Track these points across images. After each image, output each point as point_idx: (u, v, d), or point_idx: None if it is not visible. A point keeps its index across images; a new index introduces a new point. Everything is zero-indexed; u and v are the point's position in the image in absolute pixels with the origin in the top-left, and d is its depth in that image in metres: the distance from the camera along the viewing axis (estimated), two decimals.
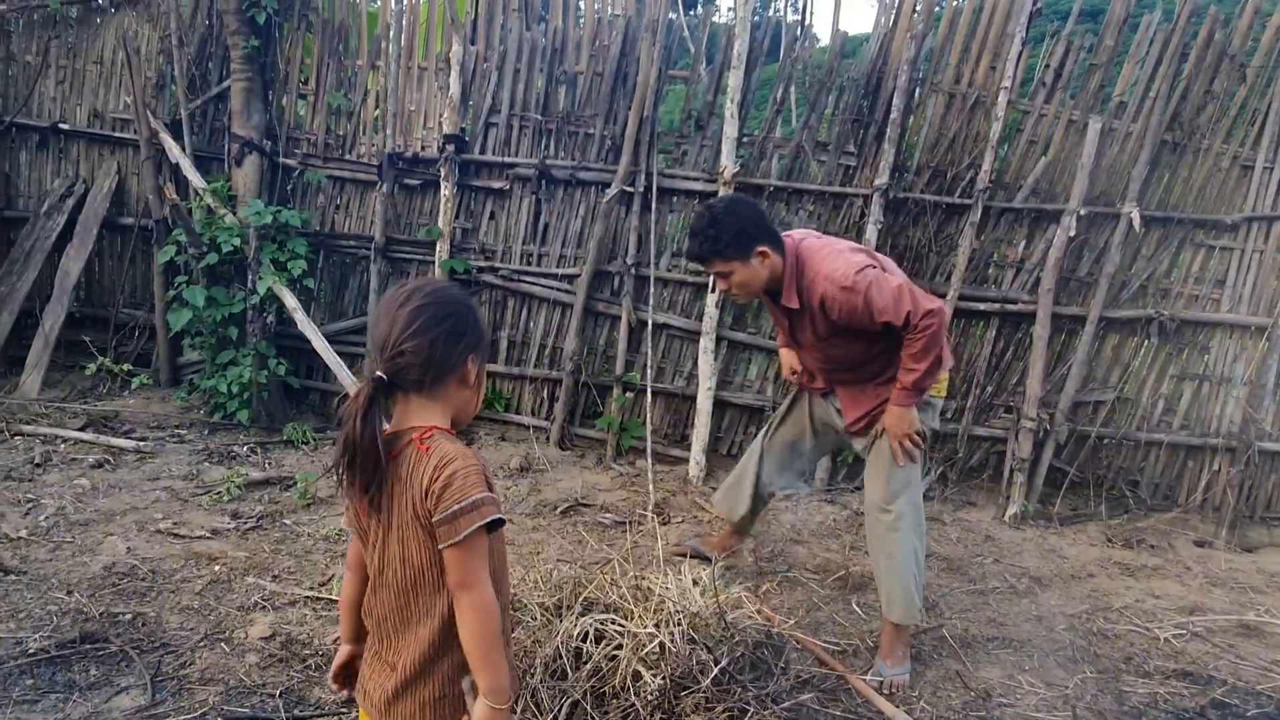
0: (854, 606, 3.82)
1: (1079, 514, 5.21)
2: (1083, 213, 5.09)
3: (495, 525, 1.53)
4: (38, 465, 4.76)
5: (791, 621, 3.46)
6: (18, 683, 2.76)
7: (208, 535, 4.06)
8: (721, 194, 5.43)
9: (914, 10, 5.24)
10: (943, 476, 5.43)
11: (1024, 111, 5.31)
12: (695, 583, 2.88)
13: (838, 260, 3.08)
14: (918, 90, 5.36)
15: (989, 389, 5.43)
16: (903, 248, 5.42)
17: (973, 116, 5.29)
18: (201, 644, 3.09)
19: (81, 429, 5.39)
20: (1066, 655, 3.49)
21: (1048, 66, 5.27)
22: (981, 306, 5.35)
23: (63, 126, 6.38)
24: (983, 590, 4.11)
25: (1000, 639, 3.59)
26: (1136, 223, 5.06)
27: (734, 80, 5.37)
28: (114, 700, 2.71)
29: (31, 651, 2.91)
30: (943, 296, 5.29)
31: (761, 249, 3.08)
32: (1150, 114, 5.10)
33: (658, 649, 2.60)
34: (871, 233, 5.28)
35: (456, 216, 5.93)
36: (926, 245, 5.38)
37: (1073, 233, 5.10)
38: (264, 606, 3.40)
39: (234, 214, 5.83)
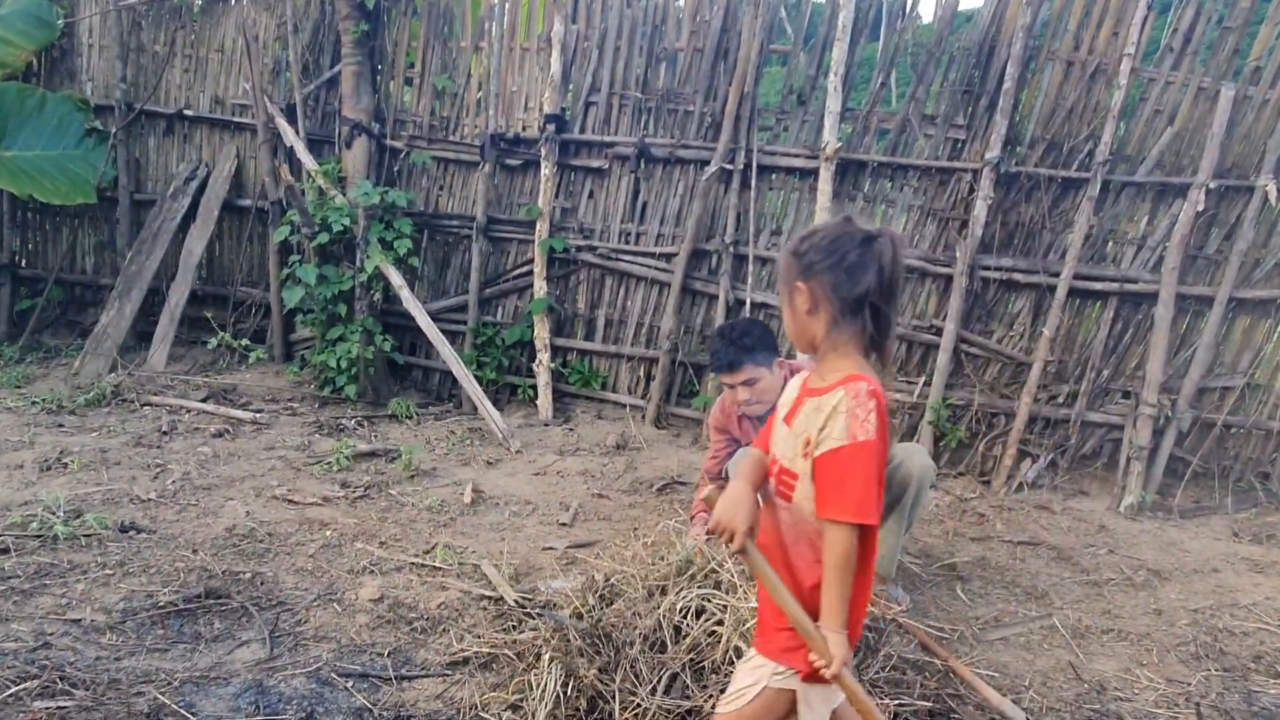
0: (958, 593, 3.72)
1: (1202, 506, 4.93)
2: (1212, 186, 4.79)
3: None
4: (165, 433, 5.04)
5: (897, 608, 3.38)
6: (150, 632, 2.93)
7: (319, 502, 4.23)
8: (821, 173, 5.34)
9: None
10: (1053, 463, 5.21)
11: (1149, 79, 5.01)
12: None
13: None
14: (1033, 59, 5.12)
15: (1105, 373, 5.18)
16: (1014, 224, 5.21)
17: (1092, 86, 5.03)
18: (315, 603, 3.22)
19: (204, 400, 5.68)
20: (1189, 651, 3.30)
21: (1175, 31, 4.95)
22: (1098, 286, 5.09)
23: (187, 112, 6.71)
24: (1096, 581, 3.93)
25: (1116, 631, 3.43)
26: (1273, 196, 4.72)
27: (838, 53, 5.24)
28: (236, 652, 2.86)
29: (161, 604, 3.08)
30: (1056, 276, 5.08)
31: (779, 359, 3.41)
32: None
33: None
34: (981, 209, 5.09)
35: (556, 196, 5.99)
36: (1040, 222, 5.15)
37: (1200, 207, 4.80)
38: (372, 571, 3.52)
39: (344, 195, 6.03)
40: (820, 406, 1.72)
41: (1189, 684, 3.06)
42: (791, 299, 1.77)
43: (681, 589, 2.74)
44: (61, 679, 2.55)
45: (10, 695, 2.44)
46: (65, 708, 2.43)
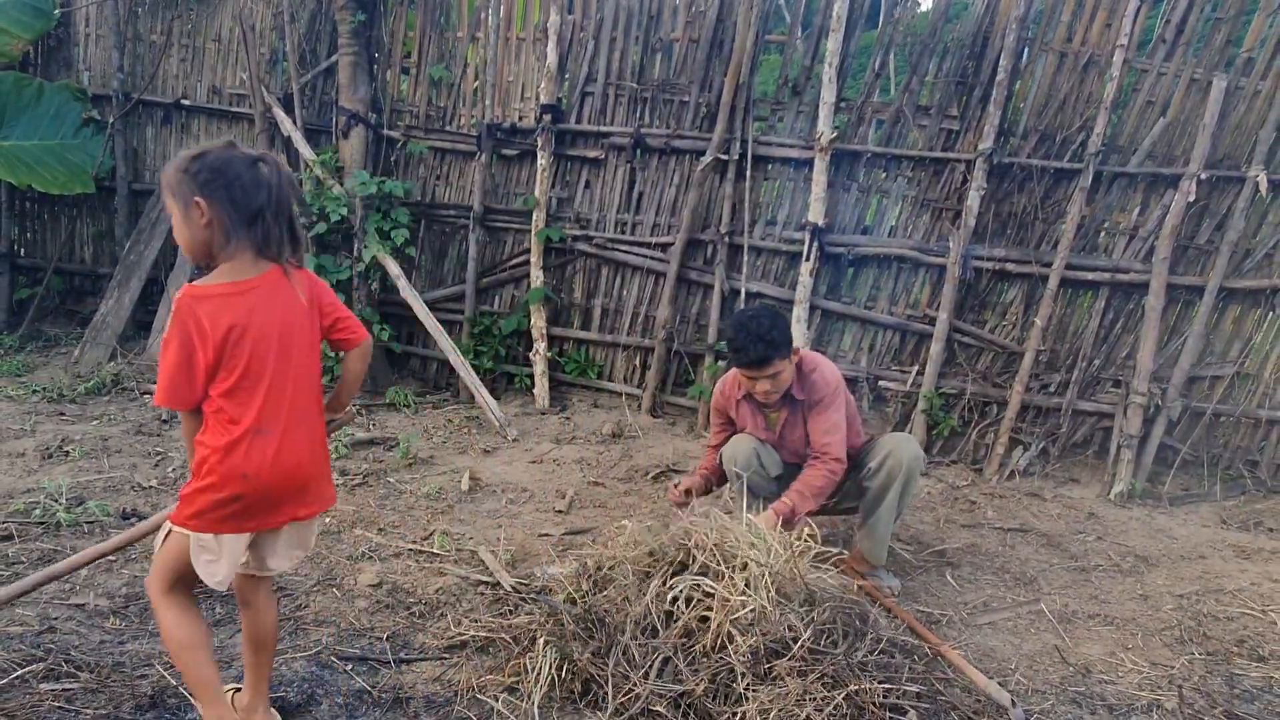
0: (948, 578, 3.77)
1: (1191, 494, 4.99)
2: (1203, 176, 4.83)
3: None
4: (165, 421, 5.08)
5: (888, 593, 3.44)
6: (153, 616, 2.98)
7: None
8: (816, 164, 5.37)
9: None
10: (1044, 451, 5.27)
11: (1141, 70, 5.05)
12: (758, 543, 2.87)
13: (832, 366, 3.57)
14: (1026, 50, 5.16)
15: (1096, 362, 5.23)
16: (1006, 215, 5.25)
17: (1085, 77, 5.06)
18: (315, 589, 3.27)
19: None
20: (1173, 635, 3.36)
21: (1168, 22, 4.99)
22: (1090, 276, 5.14)
23: (184, 102, 6.73)
24: (1084, 567, 3.99)
25: (1102, 616, 3.49)
26: (1263, 186, 4.76)
27: (833, 43, 5.27)
28: (237, 636, 2.90)
29: None
30: (1048, 266, 5.12)
31: (795, 347, 3.41)
32: None
33: (749, 613, 2.62)
34: (974, 199, 5.13)
35: (552, 186, 6.02)
36: (1032, 212, 5.19)
37: (1192, 198, 4.85)
38: (371, 557, 3.57)
39: (341, 185, 6.06)
40: None
41: (1172, 667, 3.12)
42: (187, 213, 1.97)
43: (671, 576, 2.79)
44: (67, 662, 2.60)
45: (17, 678, 2.49)
46: (71, 689, 2.48)
